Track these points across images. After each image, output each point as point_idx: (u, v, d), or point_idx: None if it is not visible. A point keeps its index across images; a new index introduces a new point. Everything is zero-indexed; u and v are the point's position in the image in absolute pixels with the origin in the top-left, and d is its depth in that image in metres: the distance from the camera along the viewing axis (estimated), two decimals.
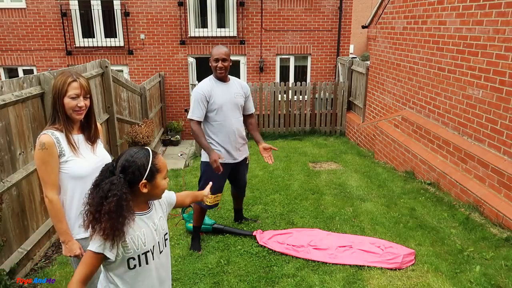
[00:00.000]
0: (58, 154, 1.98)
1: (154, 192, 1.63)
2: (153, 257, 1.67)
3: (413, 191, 4.81)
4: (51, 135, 1.98)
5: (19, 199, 3.32)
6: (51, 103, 2.03)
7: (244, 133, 3.60)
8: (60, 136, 2.00)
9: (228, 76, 3.49)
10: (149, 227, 1.66)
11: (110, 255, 1.52)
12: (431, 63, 5.23)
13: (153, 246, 1.67)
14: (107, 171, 1.57)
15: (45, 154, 1.95)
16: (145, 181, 1.57)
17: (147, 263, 1.65)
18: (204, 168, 3.52)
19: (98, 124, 2.23)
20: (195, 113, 3.36)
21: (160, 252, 1.72)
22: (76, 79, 2.01)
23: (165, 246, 1.76)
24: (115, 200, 1.47)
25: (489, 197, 3.94)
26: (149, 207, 1.70)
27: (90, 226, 1.51)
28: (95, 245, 1.50)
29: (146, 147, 1.66)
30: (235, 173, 3.68)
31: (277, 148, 3.41)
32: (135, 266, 1.61)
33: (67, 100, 1.99)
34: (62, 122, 2.01)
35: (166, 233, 1.77)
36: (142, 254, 1.63)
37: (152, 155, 1.62)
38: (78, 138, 2.09)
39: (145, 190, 1.58)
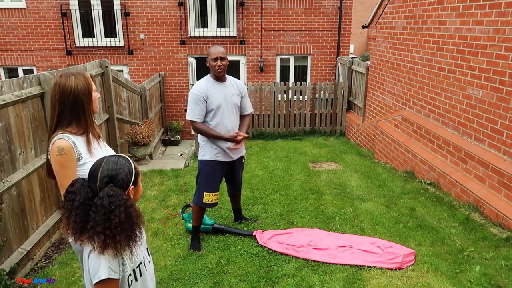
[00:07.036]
0: (76, 158, 1.96)
1: (136, 197, 1.58)
2: (146, 268, 1.63)
3: (413, 191, 4.81)
4: (68, 140, 1.94)
5: (19, 199, 3.32)
6: (70, 105, 1.96)
7: None
8: (75, 139, 1.98)
9: (225, 75, 3.51)
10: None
11: (114, 275, 1.44)
12: (431, 63, 5.23)
13: (144, 257, 1.63)
14: (84, 188, 1.45)
15: (64, 159, 1.92)
16: (132, 186, 1.52)
17: (141, 275, 1.59)
18: (201, 166, 3.56)
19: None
20: (195, 113, 3.37)
21: (149, 262, 1.69)
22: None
23: (149, 255, 1.72)
24: (123, 210, 1.40)
25: (489, 197, 3.94)
26: None
27: (104, 247, 1.39)
28: (101, 272, 1.41)
29: (118, 154, 1.60)
30: (231, 171, 3.73)
31: (248, 135, 3.49)
32: (131, 282, 1.53)
33: (94, 94, 2.02)
34: (88, 122, 2.01)
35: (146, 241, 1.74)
36: (137, 267, 1.57)
37: (130, 159, 1.59)
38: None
39: (131, 196, 1.53)
